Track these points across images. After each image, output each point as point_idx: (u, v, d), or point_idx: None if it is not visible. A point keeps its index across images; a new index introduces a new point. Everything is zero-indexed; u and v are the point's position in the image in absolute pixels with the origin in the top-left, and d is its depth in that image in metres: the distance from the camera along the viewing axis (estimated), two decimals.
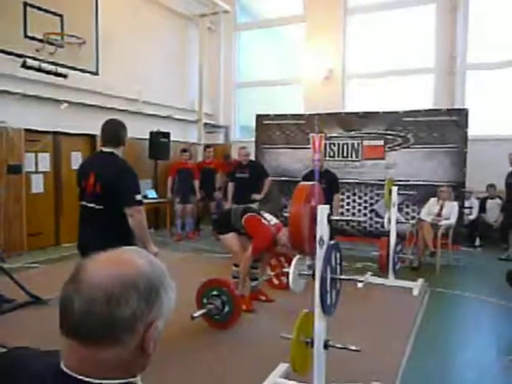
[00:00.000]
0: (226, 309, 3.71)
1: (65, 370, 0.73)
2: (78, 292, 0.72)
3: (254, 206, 6.51)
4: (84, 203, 2.91)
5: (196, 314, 3.56)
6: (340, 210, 6.18)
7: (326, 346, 2.56)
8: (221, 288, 3.75)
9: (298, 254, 2.66)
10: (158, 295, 0.76)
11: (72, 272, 0.76)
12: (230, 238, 4.23)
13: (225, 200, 8.09)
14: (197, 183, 8.20)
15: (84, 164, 3.18)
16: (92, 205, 2.85)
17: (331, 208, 5.75)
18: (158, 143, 8.42)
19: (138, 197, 2.78)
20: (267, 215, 4.34)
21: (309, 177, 6.01)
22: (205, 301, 3.76)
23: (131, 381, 0.76)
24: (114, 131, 2.94)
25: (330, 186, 6.03)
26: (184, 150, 8.47)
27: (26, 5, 5.40)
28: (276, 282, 4.93)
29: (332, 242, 2.53)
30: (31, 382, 0.77)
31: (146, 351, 0.75)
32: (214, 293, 3.74)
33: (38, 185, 6.85)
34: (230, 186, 6.91)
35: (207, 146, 9.01)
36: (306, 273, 2.60)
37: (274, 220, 4.29)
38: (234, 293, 3.74)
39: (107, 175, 2.79)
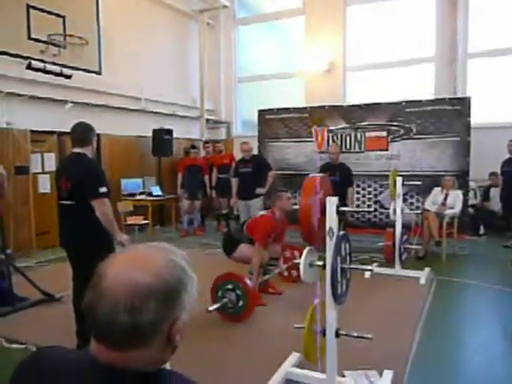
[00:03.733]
0: (240, 303, 3.77)
1: (101, 361, 0.76)
2: (99, 300, 0.74)
3: (259, 199, 6.56)
4: (60, 201, 3.18)
5: (211, 308, 3.62)
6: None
7: (337, 335, 2.61)
8: (235, 282, 3.81)
9: (308, 245, 2.71)
10: (178, 295, 0.77)
11: (93, 279, 0.77)
12: (242, 248, 4.31)
13: (220, 197, 8.14)
14: (207, 178, 8.27)
15: (59, 166, 3.50)
16: (65, 201, 3.11)
17: (345, 200, 5.88)
18: (161, 140, 8.46)
19: (102, 189, 2.99)
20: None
21: (323, 169, 6.09)
22: (219, 294, 3.82)
23: (162, 367, 0.81)
24: (80, 133, 3.17)
25: (344, 179, 6.09)
26: (193, 147, 8.53)
27: (29, 7, 5.44)
28: (286, 273, 4.98)
29: (341, 232, 2.58)
30: (69, 375, 0.79)
31: (172, 344, 0.79)
32: (229, 287, 3.80)
33: (44, 185, 6.90)
34: (234, 181, 6.95)
35: (206, 142, 9.06)
36: (316, 263, 2.65)
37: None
38: (248, 287, 3.79)
39: (75, 172, 3.06)
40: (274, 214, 4.36)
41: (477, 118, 6.90)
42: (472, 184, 7.27)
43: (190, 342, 3.22)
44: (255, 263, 4.18)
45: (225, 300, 3.77)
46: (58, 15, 5.85)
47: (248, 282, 3.86)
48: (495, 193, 7.59)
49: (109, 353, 0.75)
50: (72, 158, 3.20)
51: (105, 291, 0.74)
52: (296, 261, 3.05)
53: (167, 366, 0.86)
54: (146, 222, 7.80)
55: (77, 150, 3.14)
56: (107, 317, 0.73)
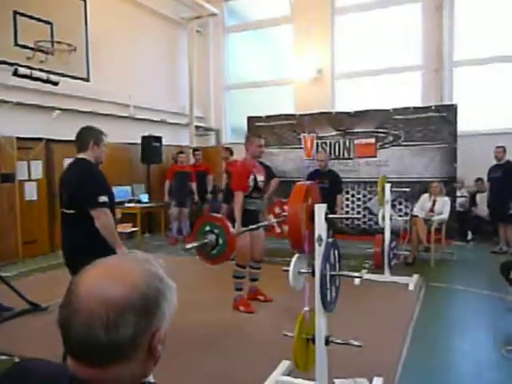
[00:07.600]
0: (220, 241, 3.67)
1: (80, 378, 0.71)
2: (73, 318, 0.70)
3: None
4: (62, 210, 3.02)
5: (189, 246, 3.51)
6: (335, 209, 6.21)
7: (327, 342, 2.60)
8: (212, 223, 3.73)
9: (297, 252, 2.70)
10: (157, 306, 0.74)
11: (65, 295, 0.73)
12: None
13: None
14: (194, 186, 8.23)
15: (62, 173, 3.33)
16: (66, 210, 2.95)
17: (333, 207, 5.85)
18: (150, 147, 8.43)
19: (101, 198, 2.80)
20: None
21: (312, 176, 6.10)
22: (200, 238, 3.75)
23: (145, 381, 0.78)
24: (79, 138, 3.01)
25: (333, 185, 6.10)
26: (181, 152, 8.49)
27: (16, 13, 5.40)
28: (278, 230, 4.89)
29: (330, 239, 2.58)
30: None
31: (154, 355, 0.75)
32: (207, 228, 3.71)
33: (31, 193, 6.82)
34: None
35: (195, 150, 9.03)
36: (305, 270, 2.64)
37: None
38: (226, 225, 3.69)
39: (71, 180, 2.90)
40: (245, 158, 4.49)
41: (463, 125, 6.99)
42: (459, 192, 7.35)
43: (176, 351, 3.19)
44: (237, 210, 4.23)
45: (205, 240, 3.64)
46: (45, 22, 5.82)
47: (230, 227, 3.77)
48: (481, 198, 7.67)
49: (87, 370, 0.71)
50: (71, 164, 3.05)
51: (78, 308, 0.70)
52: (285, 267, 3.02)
53: (150, 378, 0.84)
54: (134, 229, 7.73)
55: (78, 155, 2.99)
56: (83, 335, 0.69)
